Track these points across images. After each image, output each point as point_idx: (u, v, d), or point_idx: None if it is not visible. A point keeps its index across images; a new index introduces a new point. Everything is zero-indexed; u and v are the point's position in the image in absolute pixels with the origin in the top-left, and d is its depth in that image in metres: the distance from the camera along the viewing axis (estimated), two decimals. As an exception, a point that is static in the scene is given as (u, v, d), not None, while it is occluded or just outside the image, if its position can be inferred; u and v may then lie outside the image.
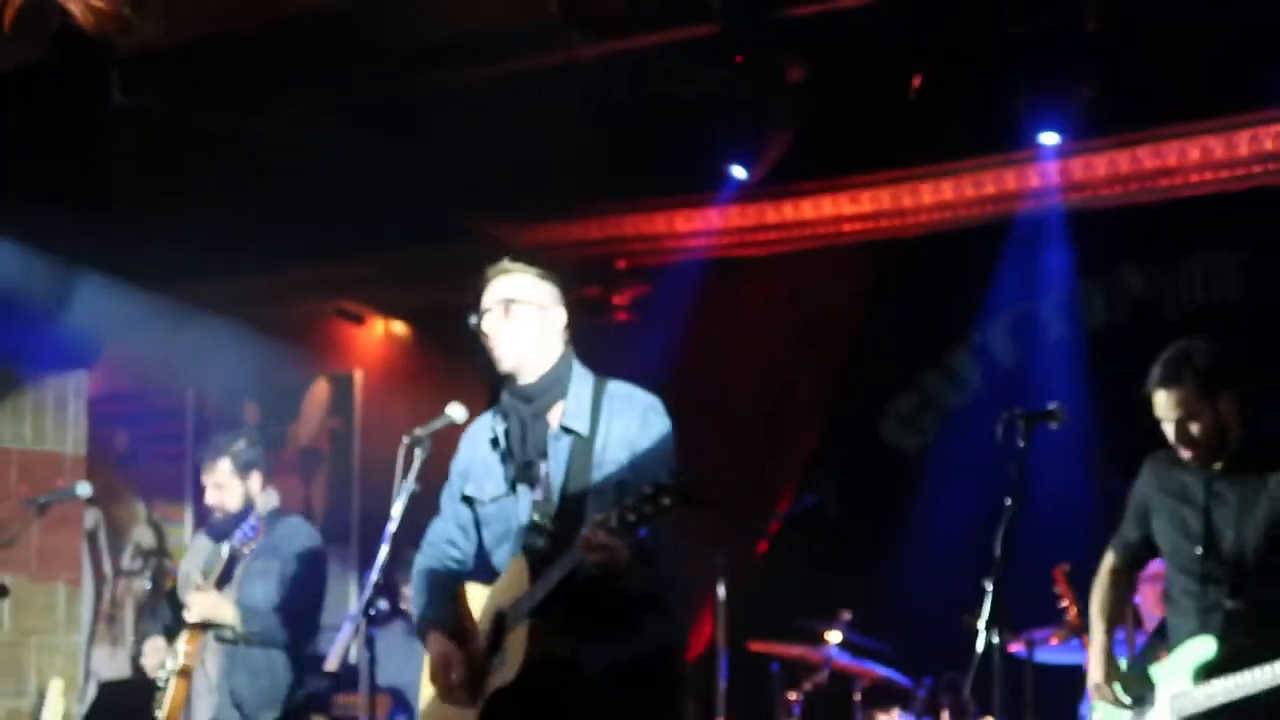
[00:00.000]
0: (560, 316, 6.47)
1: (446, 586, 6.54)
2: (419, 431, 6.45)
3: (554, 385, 6.39)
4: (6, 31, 6.85)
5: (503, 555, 6.44)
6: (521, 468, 6.39)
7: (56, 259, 9.56)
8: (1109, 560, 7.29)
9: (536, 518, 6.35)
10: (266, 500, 9.01)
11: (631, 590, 6.05)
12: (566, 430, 6.34)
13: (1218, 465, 6.92)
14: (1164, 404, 6.90)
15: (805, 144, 10.49)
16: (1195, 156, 9.83)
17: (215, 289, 11.73)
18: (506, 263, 6.52)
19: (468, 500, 6.52)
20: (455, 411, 6.58)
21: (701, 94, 10.20)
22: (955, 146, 10.35)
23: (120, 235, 9.70)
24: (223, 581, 8.70)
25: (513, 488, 6.41)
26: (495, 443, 6.46)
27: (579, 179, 11.02)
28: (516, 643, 6.18)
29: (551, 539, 6.26)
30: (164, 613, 9.17)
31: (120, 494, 13.18)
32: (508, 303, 6.40)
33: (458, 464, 6.59)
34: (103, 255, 9.67)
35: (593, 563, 5.91)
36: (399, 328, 12.98)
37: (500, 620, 6.28)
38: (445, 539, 6.58)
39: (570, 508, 6.25)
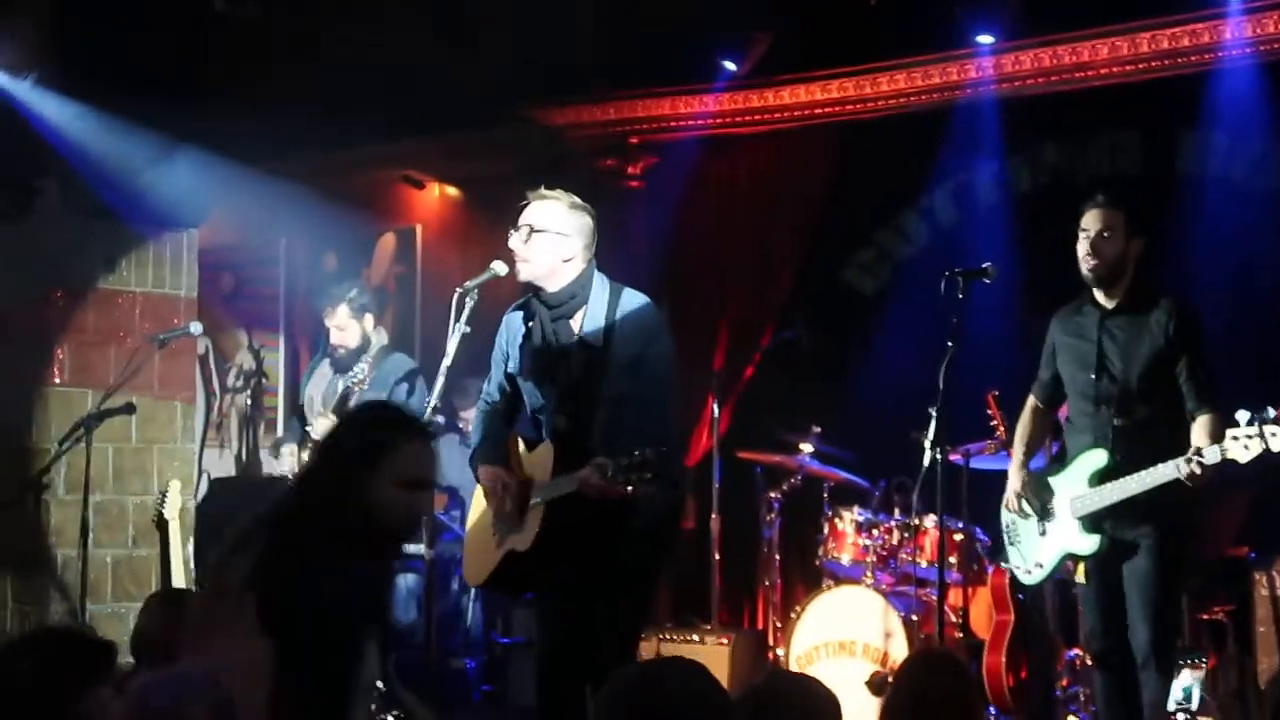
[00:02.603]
0: (579, 242, 6.29)
1: (497, 433, 6.49)
2: (468, 284, 6.41)
3: (574, 297, 6.27)
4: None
5: (542, 418, 6.38)
6: (545, 365, 6.31)
7: (170, 140, 9.47)
8: (1030, 401, 7.32)
9: (559, 408, 6.28)
10: (378, 338, 9.05)
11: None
12: (583, 341, 6.24)
13: (1110, 304, 6.94)
14: (1093, 219, 6.95)
15: (784, 42, 10.40)
16: (1105, 53, 9.69)
17: (304, 162, 11.65)
18: (543, 190, 6.40)
19: (509, 376, 6.46)
20: (498, 266, 6.53)
21: (700, 2, 10.08)
22: (908, 45, 10.21)
23: (222, 119, 9.61)
24: (339, 407, 8.76)
25: (536, 381, 6.34)
26: (527, 339, 6.38)
27: (601, 71, 10.92)
28: (533, 520, 6.15)
29: (571, 428, 6.20)
30: (295, 425, 9.29)
31: (226, 326, 13.15)
32: (530, 229, 6.28)
33: (501, 341, 6.50)
34: (207, 136, 9.57)
35: (589, 495, 5.88)
36: (452, 191, 12.87)
37: (527, 488, 6.24)
38: (494, 397, 6.52)
39: (584, 406, 6.18)
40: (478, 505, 6.55)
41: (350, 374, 8.75)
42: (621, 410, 6.14)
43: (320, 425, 8.73)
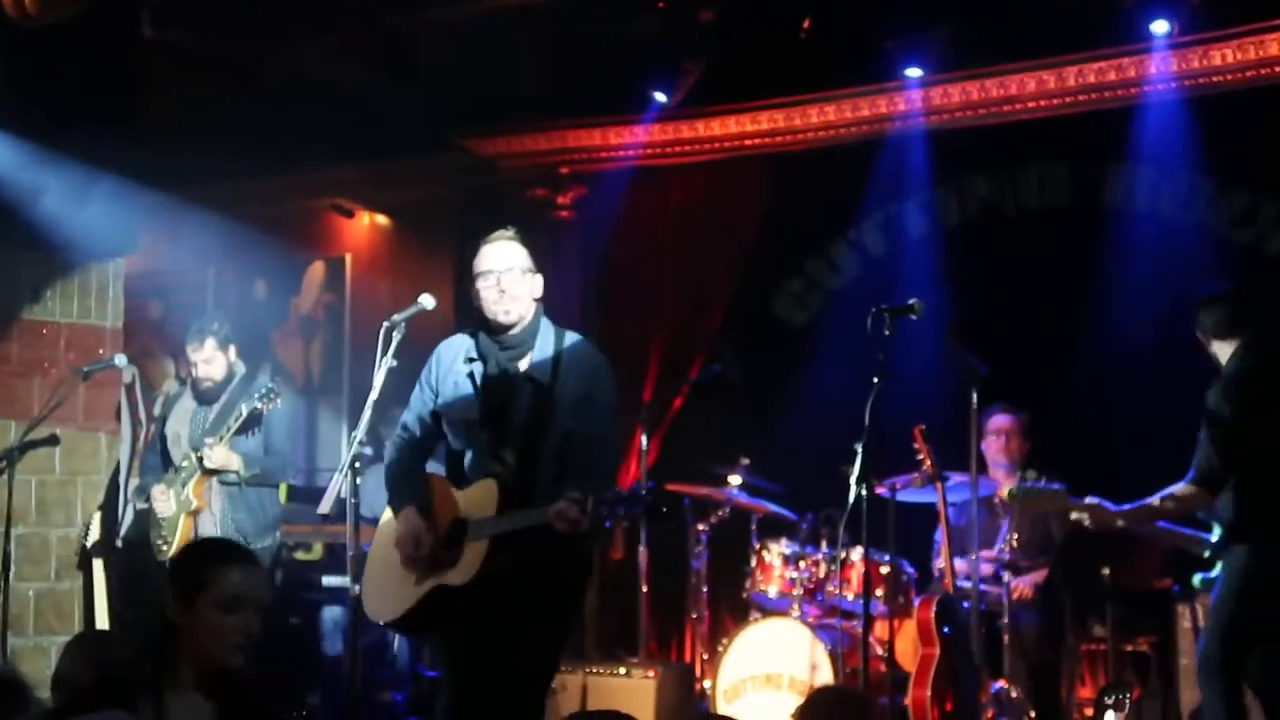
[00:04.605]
0: (540, 280, 6.35)
1: (417, 474, 6.46)
2: (396, 317, 6.37)
3: (528, 338, 6.28)
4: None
5: (467, 458, 6.36)
6: (491, 405, 6.28)
7: (96, 168, 9.40)
8: None
9: (499, 449, 6.26)
10: (239, 367, 9.02)
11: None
12: (531, 379, 6.25)
13: None
14: None
15: (715, 74, 10.45)
16: (1032, 87, 9.82)
17: (232, 189, 11.63)
18: (511, 231, 6.39)
19: (436, 414, 6.43)
20: (426, 300, 6.50)
21: (630, 32, 10.12)
22: (837, 77, 10.30)
23: (150, 146, 9.55)
24: (245, 428, 8.71)
25: (482, 419, 6.31)
26: (471, 377, 6.35)
27: (531, 101, 10.93)
28: (474, 555, 6.10)
29: (512, 471, 6.19)
30: (155, 462, 9.13)
31: (154, 354, 13.01)
32: (520, 269, 6.28)
33: (430, 376, 6.44)
34: (135, 164, 9.50)
35: (557, 529, 5.87)
36: (382, 220, 12.86)
37: (461, 526, 6.19)
38: (414, 435, 6.48)
39: (529, 446, 6.16)
40: (382, 540, 6.52)
41: (259, 396, 8.65)
42: (568, 448, 6.15)
43: (214, 452, 8.67)
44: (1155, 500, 7.16)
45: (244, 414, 8.63)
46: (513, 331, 6.29)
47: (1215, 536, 7.34)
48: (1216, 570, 7.29)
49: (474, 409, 6.32)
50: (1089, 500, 7.25)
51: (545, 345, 6.30)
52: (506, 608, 6.15)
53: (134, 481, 10.35)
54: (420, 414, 6.48)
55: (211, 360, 8.91)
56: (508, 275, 6.26)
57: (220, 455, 8.66)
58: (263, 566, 4.65)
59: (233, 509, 8.79)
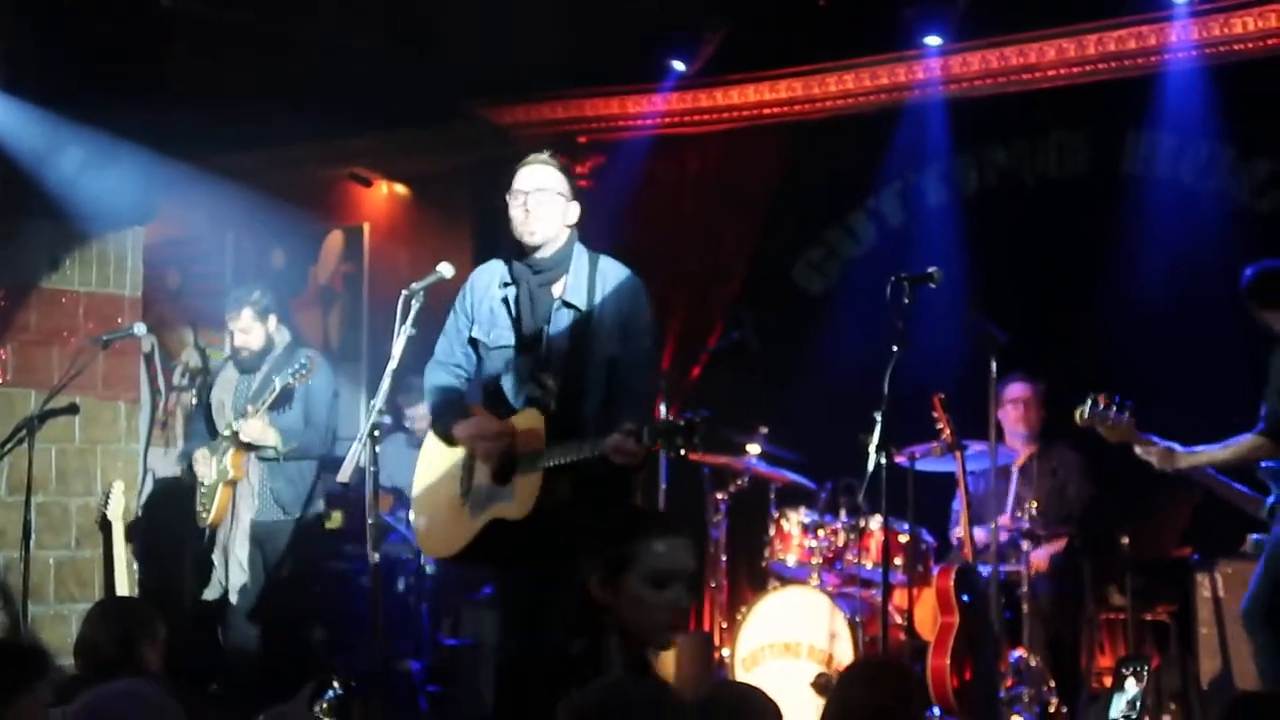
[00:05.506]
0: (577, 207, 6.37)
1: (459, 400, 6.49)
2: (415, 286, 6.37)
3: (561, 262, 6.30)
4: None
5: (505, 386, 6.36)
6: (527, 332, 6.30)
7: (114, 137, 9.41)
8: None
9: (540, 376, 6.28)
10: (282, 337, 9.02)
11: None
12: (568, 304, 6.26)
13: None
14: None
15: (734, 42, 10.43)
16: (1052, 55, 9.75)
17: (249, 158, 11.62)
18: (545, 155, 6.42)
19: (472, 341, 6.45)
20: (444, 269, 6.50)
21: (648, 1, 10.10)
22: (857, 45, 10.25)
23: (168, 115, 9.56)
24: (280, 402, 8.72)
25: (518, 345, 6.33)
26: (505, 303, 6.37)
27: (550, 70, 10.90)
28: (529, 487, 6.11)
29: (554, 396, 6.21)
30: (201, 430, 9.16)
31: (171, 323, 13.06)
32: (552, 191, 6.30)
33: (464, 304, 6.50)
34: (153, 132, 9.52)
35: (616, 461, 5.88)
36: (400, 189, 12.85)
37: (510, 459, 6.21)
38: (453, 361, 6.51)
39: (571, 373, 6.20)
40: (430, 474, 6.52)
41: (292, 372, 8.66)
42: (614, 373, 6.22)
43: (248, 427, 8.67)
44: (1220, 447, 7.37)
45: (277, 389, 8.66)
46: (543, 255, 6.32)
47: (1272, 499, 7.38)
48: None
49: (510, 334, 6.36)
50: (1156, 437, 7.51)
51: (580, 270, 6.33)
52: (564, 537, 6.13)
53: (158, 450, 10.39)
54: (456, 340, 6.53)
55: (249, 330, 8.93)
56: (535, 196, 6.30)
57: (254, 429, 8.68)
58: (688, 535, 4.50)
59: (271, 479, 8.84)
